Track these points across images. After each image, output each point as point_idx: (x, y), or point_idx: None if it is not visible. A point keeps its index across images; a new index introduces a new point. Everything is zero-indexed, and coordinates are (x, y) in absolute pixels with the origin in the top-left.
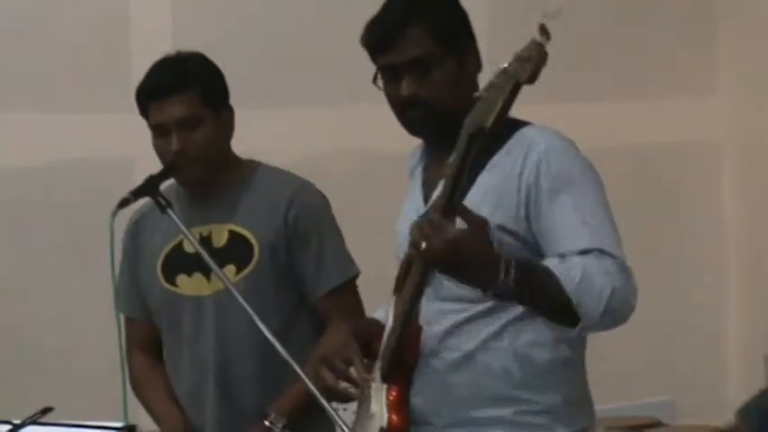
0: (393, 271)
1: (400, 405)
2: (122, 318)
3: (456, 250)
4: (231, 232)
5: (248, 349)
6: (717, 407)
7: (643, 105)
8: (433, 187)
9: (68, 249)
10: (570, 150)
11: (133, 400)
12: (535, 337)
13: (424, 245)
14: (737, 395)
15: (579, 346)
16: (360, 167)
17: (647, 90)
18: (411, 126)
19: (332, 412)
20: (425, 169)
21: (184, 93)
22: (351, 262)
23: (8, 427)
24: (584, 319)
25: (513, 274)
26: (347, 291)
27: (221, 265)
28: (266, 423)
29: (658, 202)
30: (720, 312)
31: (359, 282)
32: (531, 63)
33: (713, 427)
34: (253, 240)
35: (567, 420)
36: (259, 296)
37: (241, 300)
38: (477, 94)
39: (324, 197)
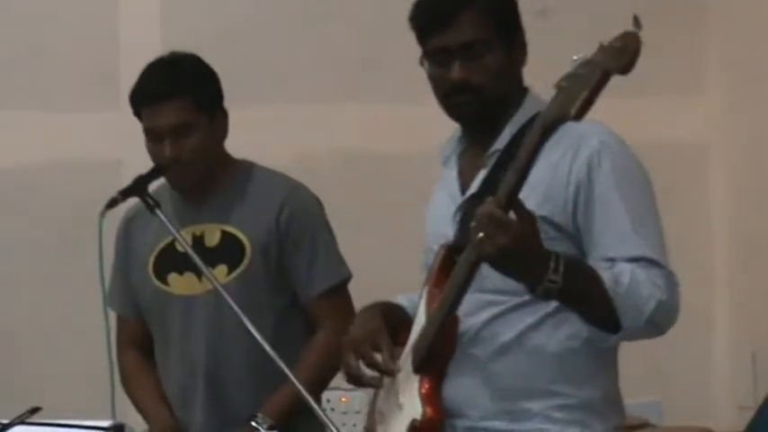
0: (385, 270)
1: (434, 398)
2: (113, 316)
3: (518, 247)
4: (224, 232)
5: (238, 350)
6: (705, 407)
7: (630, 104)
8: (471, 176)
9: (56, 249)
10: (622, 148)
11: (121, 399)
12: (574, 330)
13: (487, 242)
14: (725, 395)
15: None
16: (353, 167)
17: (634, 88)
18: (455, 110)
19: (320, 413)
20: (460, 158)
21: (178, 99)
22: (343, 265)
23: None
24: (625, 328)
25: (561, 272)
26: (338, 293)
27: (213, 265)
28: (252, 424)
29: None
30: (708, 312)
31: (352, 282)
32: (626, 53)
33: (702, 428)
34: (245, 241)
35: (602, 416)
36: (250, 297)
37: (230, 300)
38: (556, 84)
39: (317, 200)
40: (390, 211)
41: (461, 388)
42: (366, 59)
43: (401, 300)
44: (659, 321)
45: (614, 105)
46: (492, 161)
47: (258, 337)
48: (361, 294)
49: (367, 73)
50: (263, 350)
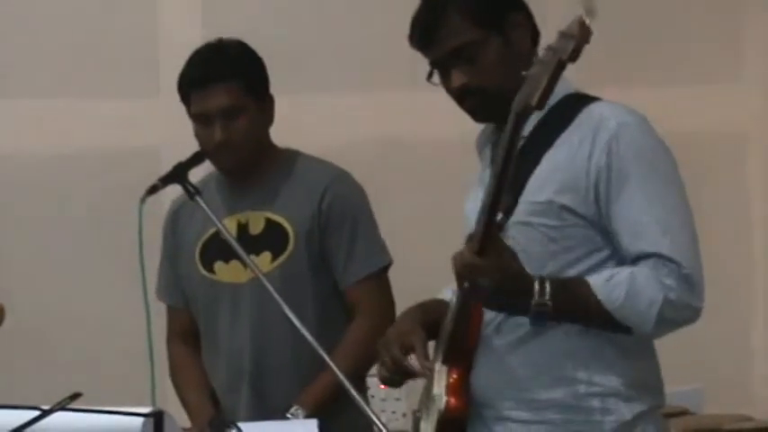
0: (425, 258)
1: (459, 388)
2: (153, 303)
3: (500, 285)
4: (268, 220)
5: (283, 337)
6: (745, 395)
7: (668, 93)
8: None
9: (96, 236)
10: (642, 128)
11: (162, 387)
12: None
13: (466, 284)
14: (765, 383)
15: None
16: (397, 154)
17: (673, 78)
18: (473, 114)
19: (360, 401)
20: (494, 147)
21: (228, 82)
22: (383, 251)
23: (37, 412)
24: (636, 331)
25: (548, 293)
26: (377, 280)
27: (257, 253)
28: (288, 415)
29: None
30: (748, 301)
31: (395, 270)
32: (573, 40)
33: (741, 416)
34: (288, 228)
35: (630, 402)
36: (294, 283)
37: (271, 289)
38: (525, 72)
39: (360, 187)
40: (434, 199)
41: (487, 378)
42: (408, 46)
43: (446, 293)
44: (671, 318)
45: (653, 95)
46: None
47: (298, 324)
48: (405, 282)
49: (410, 60)
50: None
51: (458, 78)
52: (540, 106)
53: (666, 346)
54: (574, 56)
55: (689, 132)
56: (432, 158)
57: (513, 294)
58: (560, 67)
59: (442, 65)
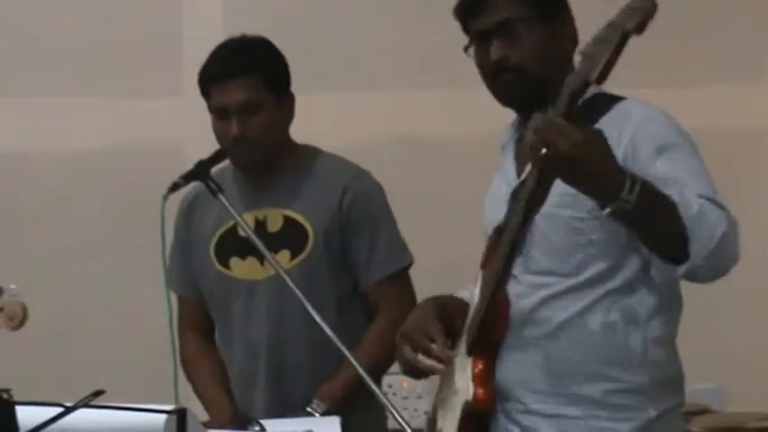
0: (443, 257)
1: (486, 379)
2: (175, 300)
3: (584, 155)
4: (286, 218)
5: (300, 335)
6: (766, 393)
7: (693, 91)
8: (527, 161)
9: (118, 234)
10: (667, 117)
11: (184, 384)
12: (626, 314)
13: (545, 150)
14: None
15: (672, 323)
16: (416, 153)
17: (698, 76)
18: (502, 92)
19: (381, 396)
20: (517, 143)
21: (247, 77)
22: (405, 250)
23: (60, 409)
24: (693, 256)
25: (637, 191)
26: (399, 279)
27: (275, 251)
28: (308, 410)
29: None
30: None
31: (415, 269)
32: (640, 13)
33: (764, 414)
34: (308, 226)
35: (655, 400)
36: (313, 282)
37: (293, 287)
38: (581, 50)
39: (380, 186)
40: (453, 198)
41: (514, 371)
42: (428, 46)
43: (462, 293)
44: (725, 252)
45: (677, 95)
46: None
47: (320, 321)
48: (424, 281)
49: (430, 59)
50: (325, 335)
51: (499, 50)
52: (600, 80)
53: (689, 344)
54: (640, 28)
55: (714, 130)
56: (449, 157)
57: (596, 177)
58: (625, 39)
59: (485, 37)
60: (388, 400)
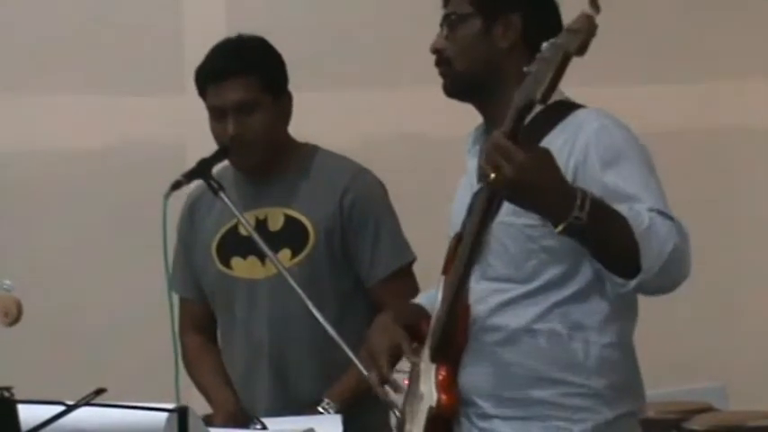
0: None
1: (449, 385)
2: (176, 298)
3: (530, 178)
4: (287, 216)
5: (302, 334)
6: None
7: (699, 89)
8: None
9: (120, 232)
10: (620, 127)
11: (186, 383)
12: (582, 319)
13: (493, 175)
14: None
15: (626, 329)
16: (417, 151)
17: (704, 73)
18: (443, 84)
19: (386, 398)
20: (482, 149)
21: (244, 77)
22: (407, 248)
23: (62, 408)
24: (644, 270)
25: (587, 208)
26: (403, 277)
27: (276, 250)
28: (319, 409)
29: (713, 186)
30: None
31: (417, 267)
32: (580, 34)
33: (766, 413)
34: (308, 225)
35: (611, 403)
36: (314, 281)
37: (295, 285)
38: (526, 68)
39: (381, 183)
40: (451, 197)
41: (474, 376)
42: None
43: (421, 298)
44: (675, 266)
45: (683, 91)
46: None
47: (322, 320)
48: (427, 279)
49: (431, 57)
50: (327, 334)
51: (436, 42)
52: (544, 100)
53: (692, 343)
54: (581, 50)
55: (719, 128)
56: (452, 155)
57: (545, 197)
58: (566, 60)
59: (441, 25)
60: (393, 402)
